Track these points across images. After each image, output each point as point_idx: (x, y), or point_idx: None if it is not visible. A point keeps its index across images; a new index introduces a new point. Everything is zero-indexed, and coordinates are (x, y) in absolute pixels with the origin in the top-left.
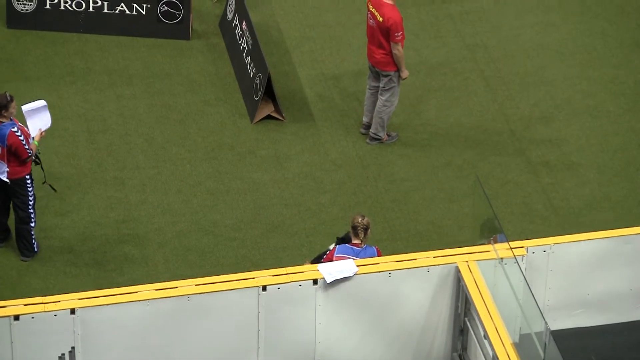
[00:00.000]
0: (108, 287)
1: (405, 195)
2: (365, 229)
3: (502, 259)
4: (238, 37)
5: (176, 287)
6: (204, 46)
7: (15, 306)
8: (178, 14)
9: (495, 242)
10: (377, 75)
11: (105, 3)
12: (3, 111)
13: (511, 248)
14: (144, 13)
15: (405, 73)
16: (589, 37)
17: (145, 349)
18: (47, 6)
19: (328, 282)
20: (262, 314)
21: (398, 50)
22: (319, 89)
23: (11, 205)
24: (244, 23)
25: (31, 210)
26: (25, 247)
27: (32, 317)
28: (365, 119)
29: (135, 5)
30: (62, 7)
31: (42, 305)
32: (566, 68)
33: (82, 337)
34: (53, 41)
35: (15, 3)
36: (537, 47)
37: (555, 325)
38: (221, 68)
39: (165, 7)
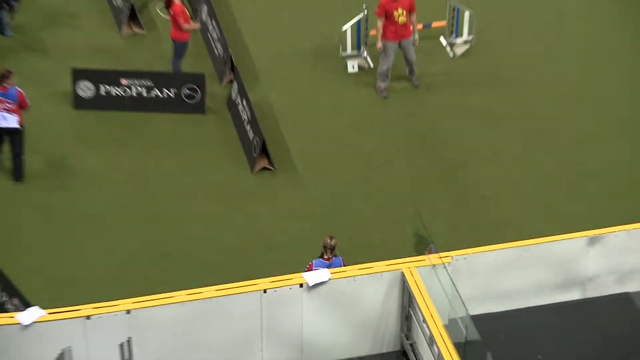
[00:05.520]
0: (153, 293)
1: (364, 222)
2: (332, 249)
3: (434, 265)
4: (240, 111)
5: (201, 292)
6: (216, 118)
7: (86, 309)
8: (196, 96)
9: (430, 253)
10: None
11: (144, 89)
12: (7, 80)
13: (440, 257)
14: (172, 96)
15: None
16: None
17: (181, 337)
18: (102, 92)
19: (310, 285)
20: (263, 310)
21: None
22: (300, 147)
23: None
24: (244, 100)
25: (24, 148)
26: (19, 175)
27: (100, 317)
28: (388, 83)
29: (165, 90)
30: (113, 93)
31: (107, 307)
32: (479, 127)
33: (135, 330)
34: (107, 118)
35: (79, 91)
36: None
37: (473, 312)
38: (229, 134)
39: (187, 91)
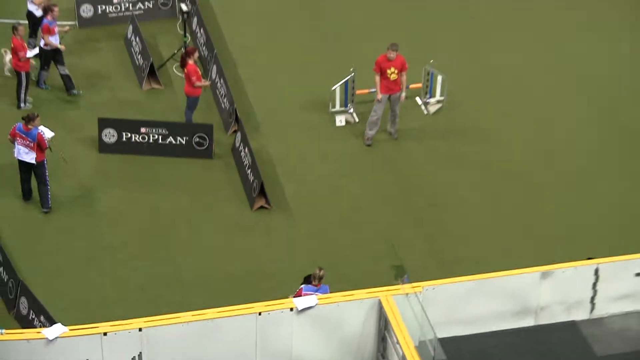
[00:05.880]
0: (163, 314)
1: (348, 255)
2: (320, 278)
3: (407, 294)
4: (243, 157)
5: (204, 314)
6: (221, 163)
7: (104, 326)
8: (205, 143)
9: (404, 283)
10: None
11: (160, 137)
12: (32, 122)
13: (413, 287)
14: (184, 143)
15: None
16: None
17: (186, 352)
18: (124, 139)
19: (299, 309)
20: (258, 330)
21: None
22: (294, 189)
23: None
24: (246, 148)
25: (47, 179)
26: (46, 203)
27: (115, 334)
28: (375, 131)
29: (178, 138)
30: (133, 140)
31: (121, 325)
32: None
33: (146, 346)
34: (128, 161)
35: (103, 137)
36: None
37: (440, 335)
38: (232, 177)
39: (197, 139)
